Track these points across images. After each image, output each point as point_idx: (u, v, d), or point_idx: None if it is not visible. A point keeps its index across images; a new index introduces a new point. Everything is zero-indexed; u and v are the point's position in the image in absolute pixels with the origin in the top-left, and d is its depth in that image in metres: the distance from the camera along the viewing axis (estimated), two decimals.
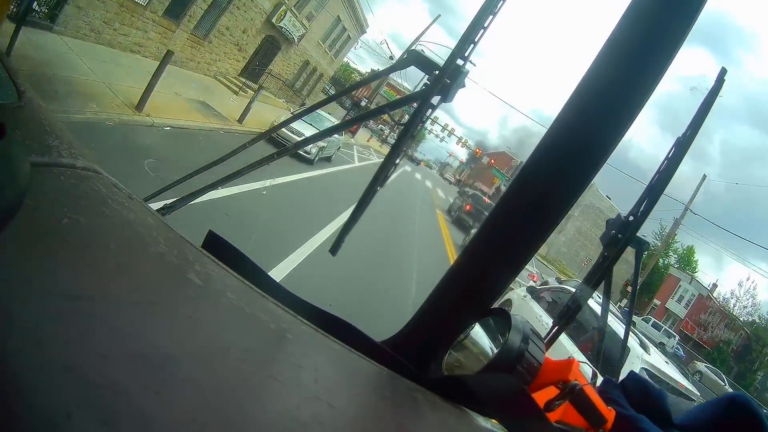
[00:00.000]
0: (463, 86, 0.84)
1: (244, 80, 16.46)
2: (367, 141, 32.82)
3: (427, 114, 0.86)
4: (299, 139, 1.15)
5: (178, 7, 11.57)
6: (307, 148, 9.88)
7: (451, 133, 39.73)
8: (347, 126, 1.12)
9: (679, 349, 30.21)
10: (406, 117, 0.87)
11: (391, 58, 24.56)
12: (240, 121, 11.16)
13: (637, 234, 1.02)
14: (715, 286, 37.89)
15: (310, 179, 10.09)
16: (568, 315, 1.10)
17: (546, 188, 0.72)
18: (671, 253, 40.48)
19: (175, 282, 0.49)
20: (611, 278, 1.06)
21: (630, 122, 0.70)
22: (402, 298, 6.31)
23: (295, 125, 9.15)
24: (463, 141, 42.62)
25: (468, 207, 19.88)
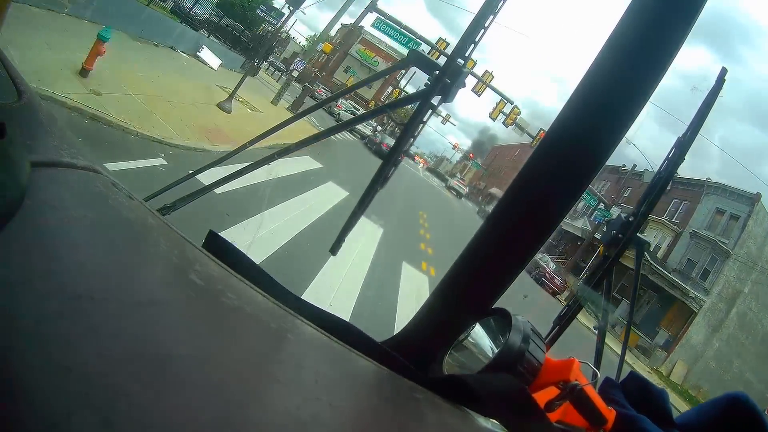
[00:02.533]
0: (464, 86, 0.85)
1: None
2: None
3: (428, 114, 0.86)
4: None
5: None
6: None
7: (484, 83, 19.96)
8: (350, 125, 1.12)
9: None
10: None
11: None
12: None
13: (638, 234, 1.02)
14: None
15: None
16: (568, 315, 1.10)
17: (547, 187, 0.72)
18: None
19: (175, 282, 0.48)
20: (612, 278, 1.06)
21: (631, 121, 0.70)
22: None
23: None
24: (511, 114, 21.76)
25: None
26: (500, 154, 57.08)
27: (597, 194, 26.49)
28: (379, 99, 44.97)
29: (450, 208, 25.54)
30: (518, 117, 22.46)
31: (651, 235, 25.96)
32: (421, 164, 50.80)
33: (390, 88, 45.14)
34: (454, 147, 52.07)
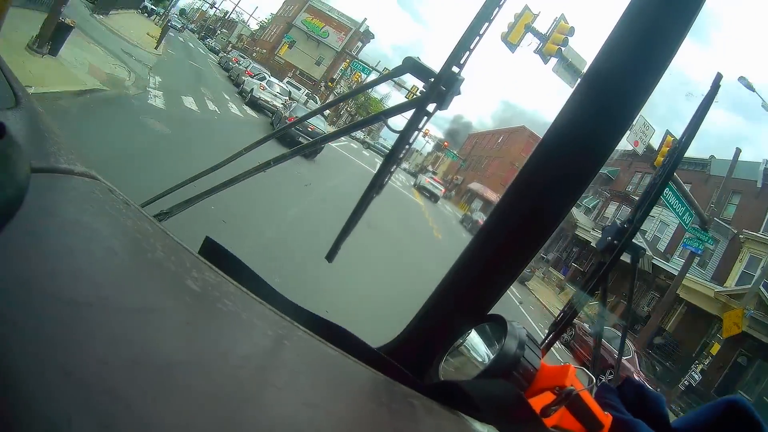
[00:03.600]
0: (459, 93, 0.85)
1: None
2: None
3: (423, 121, 0.87)
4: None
5: None
6: None
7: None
8: (344, 134, 1.12)
9: None
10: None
11: None
12: None
13: (633, 240, 1.03)
14: None
15: None
16: (563, 321, 1.11)
17: (543, 193, 0.73)
18: None
19: (172, 288, 0.49)
20: (607, 284, 1.07)
21: (628, 124, 0.71)
22: None
23: None
24: (555, 33, 9.18)
25: None
26: (479, 142, 49.03)
27: (693, 201, 11.53)
28: (330, 77, 37.99)
29: (425, 246, 12.38)
30: (568, 39, 10.62)
31: (743, 258, 16.17)
32: None
33: (344, 64, 38.54)
34: (425, 134, 42.85)
